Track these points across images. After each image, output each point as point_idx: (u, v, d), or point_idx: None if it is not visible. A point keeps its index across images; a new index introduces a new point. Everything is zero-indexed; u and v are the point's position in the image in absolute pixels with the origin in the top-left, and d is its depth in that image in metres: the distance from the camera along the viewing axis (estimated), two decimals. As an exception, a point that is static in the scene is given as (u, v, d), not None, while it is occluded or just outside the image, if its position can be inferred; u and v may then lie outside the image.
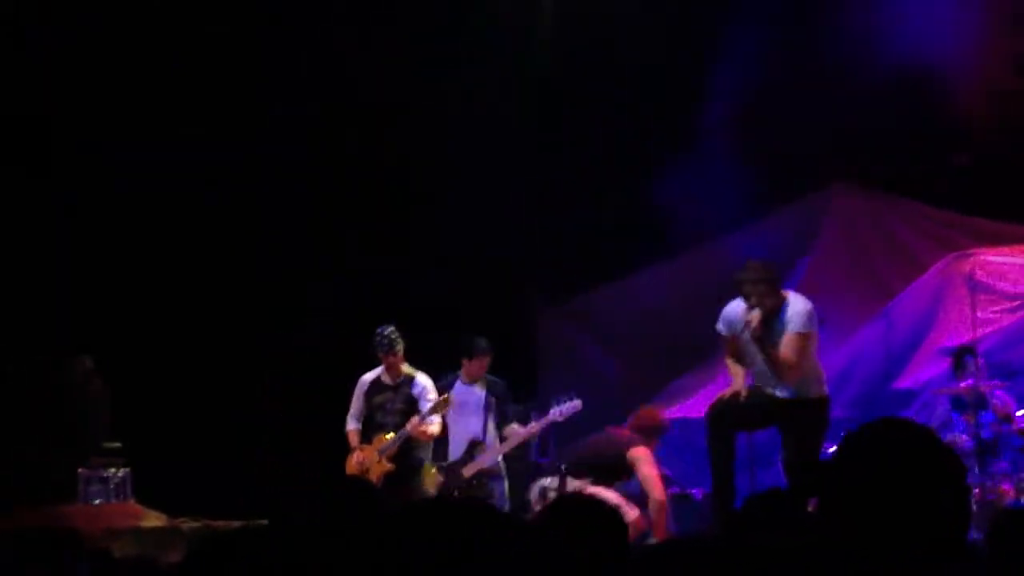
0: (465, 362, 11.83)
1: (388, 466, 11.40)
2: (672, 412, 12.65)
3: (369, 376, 11.82)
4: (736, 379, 10.12)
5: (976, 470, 11.25)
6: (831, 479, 2.93)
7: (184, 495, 12.13)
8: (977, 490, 11.04)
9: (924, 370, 13.15)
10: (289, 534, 3.41)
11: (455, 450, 11.74)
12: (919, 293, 13.45)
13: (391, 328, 11.61)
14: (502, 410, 11.85)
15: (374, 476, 11.19)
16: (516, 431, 11.68)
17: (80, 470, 12.11)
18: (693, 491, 12.34)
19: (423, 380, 11.63)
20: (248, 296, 14.52)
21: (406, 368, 11.67)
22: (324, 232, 14.90)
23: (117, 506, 12.02)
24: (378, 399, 11.71)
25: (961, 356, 12.18)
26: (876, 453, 2.90)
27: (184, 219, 14.38)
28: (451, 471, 11.58)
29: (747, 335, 9.80)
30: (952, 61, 13.39)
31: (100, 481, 12.11)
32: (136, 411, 12.78)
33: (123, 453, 12.33)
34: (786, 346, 9.73)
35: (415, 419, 11.32)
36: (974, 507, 10.43)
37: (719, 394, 10.11)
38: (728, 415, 9.96)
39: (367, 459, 11.51)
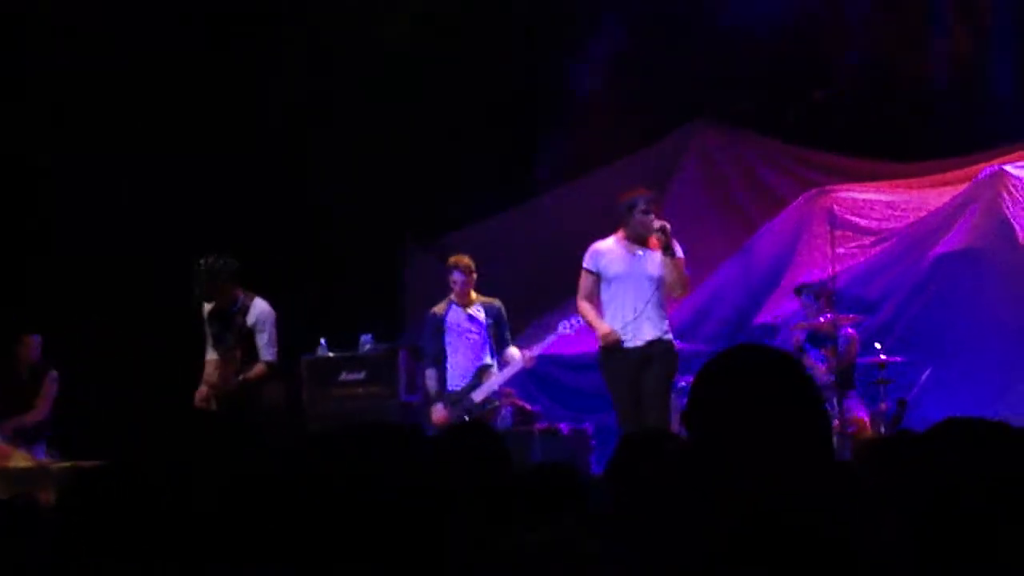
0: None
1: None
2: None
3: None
4: (600, 324, 10.31)
5: (835, 403, 11.47)
6: (692, 404, 2.97)
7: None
8: (836, 422, 11.27)
9: (784, 305, 13.34)
10: (155, 469, 3.41)
11: (457, 378, 11.48)
12: (779, 228, 13.63)
13: (206, 259, 10.64)
14: (499, 334, 11.54)
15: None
16: (513, 356, 11.48)
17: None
18: (560, 425, 12.45)
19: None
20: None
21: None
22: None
23: (-17, 447, 11.93)
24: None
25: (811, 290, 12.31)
26: (734, 377, 2.95)
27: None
28: (460, 397, 11.36)
29: (634, 263, 10.17)
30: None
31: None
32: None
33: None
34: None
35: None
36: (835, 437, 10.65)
37: (605, 340, 10.26)
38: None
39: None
